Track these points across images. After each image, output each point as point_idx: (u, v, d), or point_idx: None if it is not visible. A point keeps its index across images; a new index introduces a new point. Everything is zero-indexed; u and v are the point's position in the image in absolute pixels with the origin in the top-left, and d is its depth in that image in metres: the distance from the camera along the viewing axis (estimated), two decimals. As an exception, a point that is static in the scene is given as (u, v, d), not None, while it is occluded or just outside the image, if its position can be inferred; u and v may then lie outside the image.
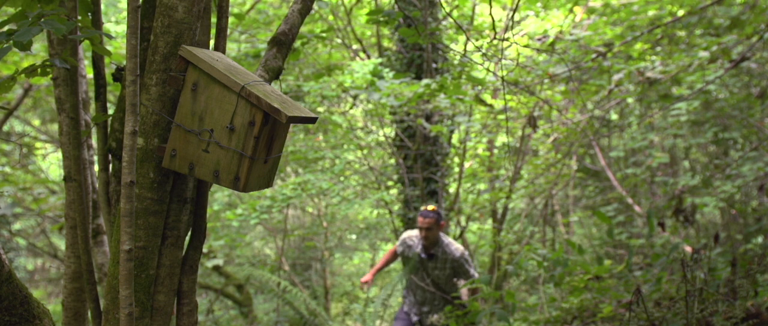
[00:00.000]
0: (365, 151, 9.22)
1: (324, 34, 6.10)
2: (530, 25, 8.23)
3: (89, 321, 2.33)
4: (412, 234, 5.65)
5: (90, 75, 4.46)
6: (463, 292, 5.59)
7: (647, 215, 4.53)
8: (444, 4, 7.91)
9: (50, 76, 2.20)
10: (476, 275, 5.55)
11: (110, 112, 2.20)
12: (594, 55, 6.04)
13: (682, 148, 10.00)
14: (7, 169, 8.36)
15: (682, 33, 6.98)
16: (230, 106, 1.74)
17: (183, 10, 1.77)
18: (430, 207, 5.46)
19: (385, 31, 8.73)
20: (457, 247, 5.53)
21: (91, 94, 5.50)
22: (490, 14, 3.37)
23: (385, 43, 8.98)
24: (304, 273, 11.60)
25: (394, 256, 5.88)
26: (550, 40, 6.68)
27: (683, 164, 10.51)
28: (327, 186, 7.72)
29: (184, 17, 1.77)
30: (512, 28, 3.58)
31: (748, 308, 3.79)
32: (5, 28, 1.77)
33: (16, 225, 9.72)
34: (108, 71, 3.89)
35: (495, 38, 3.36)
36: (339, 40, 8.79)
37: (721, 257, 5.37)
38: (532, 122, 5.88)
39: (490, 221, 9.89)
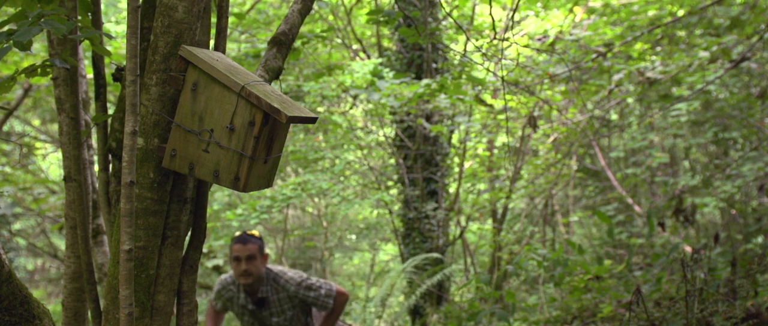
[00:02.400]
0: (365, 151, 9.22)
1: (324, 34, 6.10)
2: (530, 25, 8.23)
3: (89, 321, 2.33)
4: (228, 280, 4.08)
5: (90, 75, 4.46)
6: None
7: (647, 215, 4.53)
8: (444, 4, 7.91)
9: (50, 76, 2.20)
10: (332, 289, 4.02)
11: (110, 112, 2.20)
12: (594, 55, 6.04)
13: (682, 148, 10.00)
14: (7, 169, 8.36)
15: (682, 33, 6.98)
16: (230, 106, 1.74)
17: (183, 10, 1.77)
18: (252, 232, 3.95)
19: (385, 31, 8.73)
20: (291, 276, 4.01)
21: (91, 94, 5.49)
22: (490, 14, 3.37)
23: (385, 43, 8.97)
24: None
25: (215, 317, 4.25)
26: (550, 40, 6.68)
27: (683, 164, 10.51)
28: (327, 186, 7.72)
29: (184, 17, 1.77)
30: (512, 28, 3.57)
31: (748, 308, 3.79)
32: (5, 28, 1.77)
33: (16, 225, 9.72)
34: (108, 71, 3.89)
35: (495, 38, 3.36)
36: (339, 40, 8.79)
37: (721, 257, 5.37)
38: (532, 122, 5.88)
39: (490, 221, 9.89)
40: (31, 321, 1.83)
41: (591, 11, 7.35)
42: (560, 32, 7.31)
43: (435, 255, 7.18)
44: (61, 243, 9.98)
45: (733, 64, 5.66)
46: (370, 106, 8.15)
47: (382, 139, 9.02)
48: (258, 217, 7.33)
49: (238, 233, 3.99)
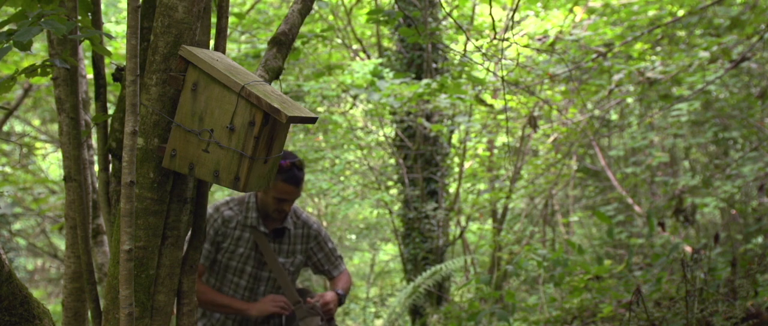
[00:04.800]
0: (365, 151, 9.22)
1: (324, 34, 6.09)
2: (530, 25, 8.23)
3: (89, 321, 2.33)
4: (234, 200, 3.32)
5: (90, 75, 4.46)
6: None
7: (647, 215, 4.53)
8: (444, 4, 7.91)
9: (50, 76, 2.20)
10: (342, 255, 3.56)
11: (110, 112, 2.20)
12: (594, 55, 6.04)
13: (682, 148, 10.00)
14: (7, 169, 8.36)
15: (682, 33, 6.98)
16: (230, 106, 1.74)
17: (183, 10, 1.77)
18: (300, 161, 3.26)
19: (385, 31, 8.73)
20: (310, 214, 3.53)
21: (91, 94, 5.49)
22: (490, 14, 3.37)
23: (385, 43, 8.97)
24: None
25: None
26: (550, 40, 6.68)
27: (683, 164, 10.51)
28: (327, 187, 7.72)
29: (184, 17, 1.77)
30: (512, 28, 3.57)
31: (748, 308, 3.79)
32: (5, 28, 1.76)
33: (16, 225, 9.72)
34: (108, 71, 3.89)
35: (495, 38, 3.36)
36: (339, 40, 8.79)
37: (721, 257, 5.37)
38: (532, 122, 5.88)
39: (490, 221, 9.89)
40: (31, 321, 1.83)
41: (591, 11, 7.35)
42: (560, 32, 7.31)
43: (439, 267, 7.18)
44: (61, 243, 9.98)
45: (733, 64, 5.66)
46: (370, 106, 8.14)
47: (382, 139, 9.02)
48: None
49: (285, 162, 3.18)
